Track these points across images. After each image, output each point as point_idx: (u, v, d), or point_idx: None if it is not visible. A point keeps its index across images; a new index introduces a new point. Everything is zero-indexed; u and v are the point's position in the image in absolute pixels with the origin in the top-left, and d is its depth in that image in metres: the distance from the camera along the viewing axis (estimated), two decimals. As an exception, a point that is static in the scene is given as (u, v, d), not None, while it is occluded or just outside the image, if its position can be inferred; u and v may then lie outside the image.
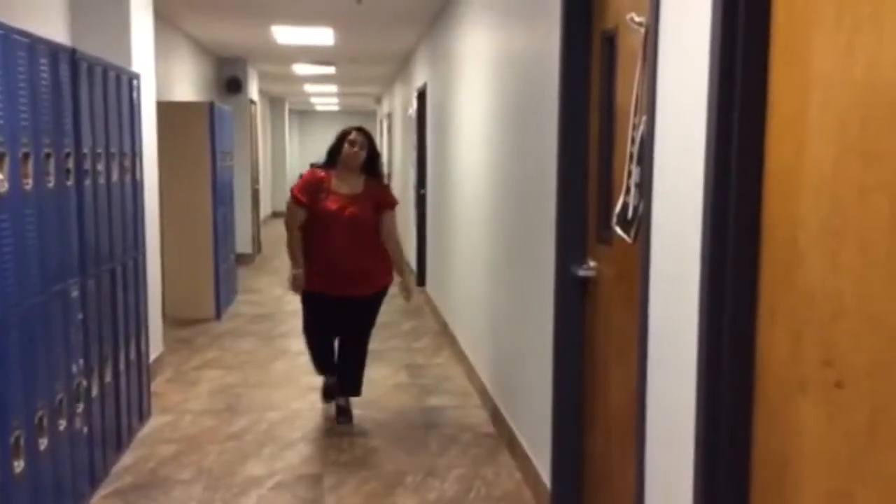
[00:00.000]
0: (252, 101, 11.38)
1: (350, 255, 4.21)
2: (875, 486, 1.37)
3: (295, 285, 4.36)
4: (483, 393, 4.75)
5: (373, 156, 4.38)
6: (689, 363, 1.93)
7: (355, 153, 4.29)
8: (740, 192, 1.77)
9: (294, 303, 8.57)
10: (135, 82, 4.26)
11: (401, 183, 11.60)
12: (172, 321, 6.76)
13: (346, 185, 4.29)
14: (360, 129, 4.39)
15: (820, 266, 1.54)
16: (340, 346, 4.51)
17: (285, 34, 8.35)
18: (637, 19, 2.36)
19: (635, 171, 2.37)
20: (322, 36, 8.39)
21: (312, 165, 5.03)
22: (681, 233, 1.99)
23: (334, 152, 4.35)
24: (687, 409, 1.94)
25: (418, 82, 8.83)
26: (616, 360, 2.75)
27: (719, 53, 1.77)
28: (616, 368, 2.75)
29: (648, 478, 2.26)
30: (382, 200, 4.39)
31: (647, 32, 2.25)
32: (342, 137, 4.36)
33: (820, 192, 1.54)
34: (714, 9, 1.78)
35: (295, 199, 4.29)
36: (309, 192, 4.27)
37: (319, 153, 17.99)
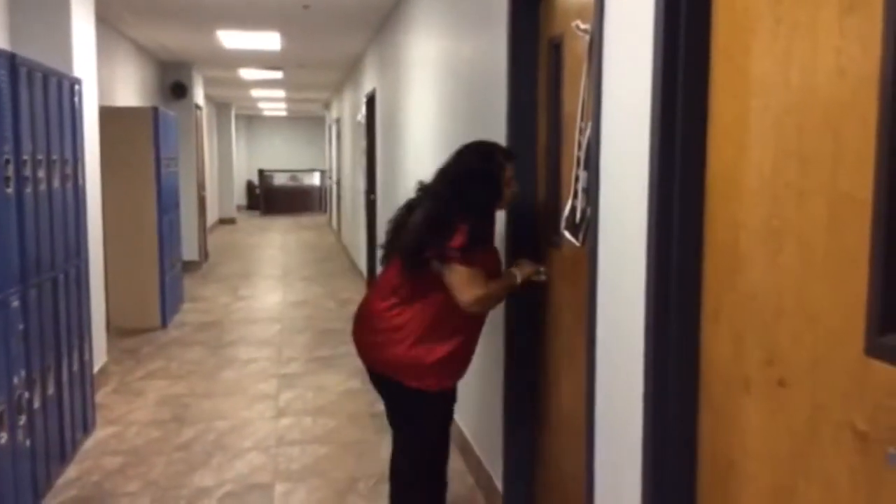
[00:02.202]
0: (197, 107, 11.23)
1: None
2: (816, 481, 1.41)
3: (532, 266, 2.90)
4: (434, 398, 4.76)
5: None
6: (636, 364, 1.96)
7: (516, 193, 2.87)
8: (683, 196, 1.81)
9: (242, 310, 8.60)
10: (76, 87, 4.18)
11: (350, 189, 11.56)
12: (117, 331, 6.63)
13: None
14: (511, 156, 2.86)
15: (761, 267, 1.58)
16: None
17: (231, 39, 8.27)
18: (582, 26, 2.40)
19: (583, 175, 2.40)
20: (269, 41, 8.32)
21: (452, 216, 2.79)
22: (627, 236, 2.03)
23: (491, 198, 2.81)
24: (634, 409, 1.98)
25: (367, 88, 8.82)
26: (566, 362, 2.78)
27: (662, 60, 1.80)
28: (566, 370, 2.78)
29: (598, 477, 2.28)
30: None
31: (592, 39, 2.29)
32: (496, 170, 2.78)
33: (759, 196, 1.58)
34: (656, 17, 1.82)
35: (476, 263, 2.71)
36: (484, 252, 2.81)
37: (267, 158, 17.92)
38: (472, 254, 2.68)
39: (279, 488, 3.68)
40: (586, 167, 2.36)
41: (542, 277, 2.90)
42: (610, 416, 2.21)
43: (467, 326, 2.82)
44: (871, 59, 1.26)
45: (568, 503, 2.75)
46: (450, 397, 2.94)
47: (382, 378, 2.88)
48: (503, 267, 2.93)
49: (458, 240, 2.65)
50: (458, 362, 2.86)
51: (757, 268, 1.59)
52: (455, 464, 3.94)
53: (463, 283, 2.67)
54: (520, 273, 2.83)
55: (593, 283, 2.26)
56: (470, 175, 2.76)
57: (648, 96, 1.87)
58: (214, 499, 3.56)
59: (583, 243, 2.43)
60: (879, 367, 1.24)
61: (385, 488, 3.63)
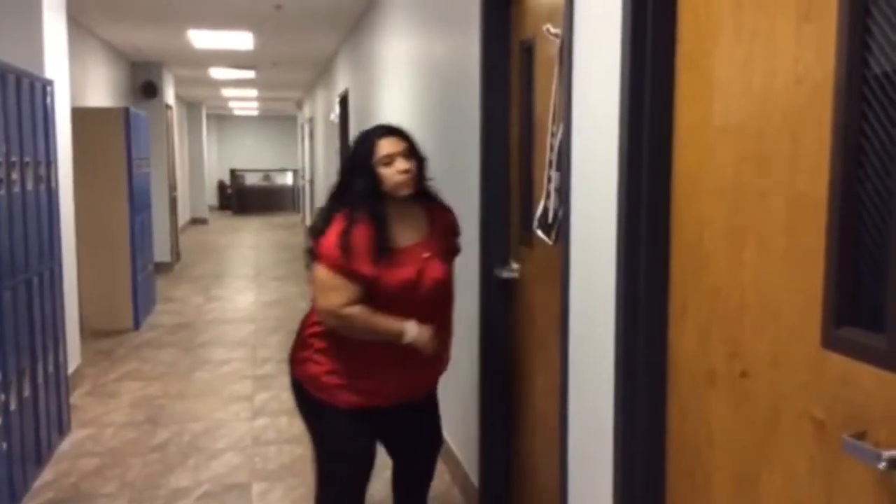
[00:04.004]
0: (168, 106, 11.17)
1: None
2: (777, 468, 1.47)
3: (430, 344, 2.55)
4: (410, 396, 4.80)
5: (422, 167, 2.61)
6: (607, 359, 2.02)
7: (405, 173, 2.48)
8: (651, 196, 1.87)
9: (215, 311, 8.58)
10: (49, 89, 4.16)
11: (324, 188, 11.56)
12: (90, 332, 6.59)
13: (406, 230, 2.54)
14: (388, 131, 2.56)
15: (724, 265, 1.65)
16: (404, 480, 2.89)
17: (203, 38, 8.25)
18: (553, 30, 2.45)
19: (555, 176, 2.46)
20: (241, 40, 8.31)
21: (334, 211, 2.53)
22: (598, 235, 2.09)
23: (368, 184, 2.47)
24: (605, 403, 2.04)
25: (340, 87, 8.83)
26: (539, 359, 2.84)
27: (630, 64, 1.86)
28: (540, 366, 2.83)
29: (571, 470, 2.34)
30: (454, 231, 2.73)
31: (562, 43, 2.34)
32: (368, 152, 2.48)
33: (723, 195, 1.65)
34: (624, 23, 1.88)
35: (343, 271, 2.42)
36: (361, 257, 2.42)
37: (239, 158, 17.75)
38: (348, 257, 2.38)
39: (256, 488, 3.71)
40: (558, 168, 2.41)
41: (427, 351, 2.55)
42: (582, 411, 2.27)
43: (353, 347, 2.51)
44: (826, 66, 1.32)
45: (543, 497, 2.81)
46: (347, 422, 2.57)
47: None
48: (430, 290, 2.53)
49: (329, 237, 2.42)
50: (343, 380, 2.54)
51: (721, 265, 1.66)
52: (431, 460, 3.98)
53: (319, 288, 2.43)
54: (417, 335, 2.48)
55: (566, 280, 2.32)
56: (347, 163, 2.61)
57: (617, 100, 1.93)
58: (192, 499, 3.58)
59: (555, 242, 2.49)
60: (835, 358, 1.31)
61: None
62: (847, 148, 1.29)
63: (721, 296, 1.66)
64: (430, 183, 2.65)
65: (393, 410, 2.65)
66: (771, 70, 1.49)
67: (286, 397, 5.04)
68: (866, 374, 1.24)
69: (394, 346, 2.49)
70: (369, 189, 2.46)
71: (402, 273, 2.47)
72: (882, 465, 1.13)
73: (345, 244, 2.40)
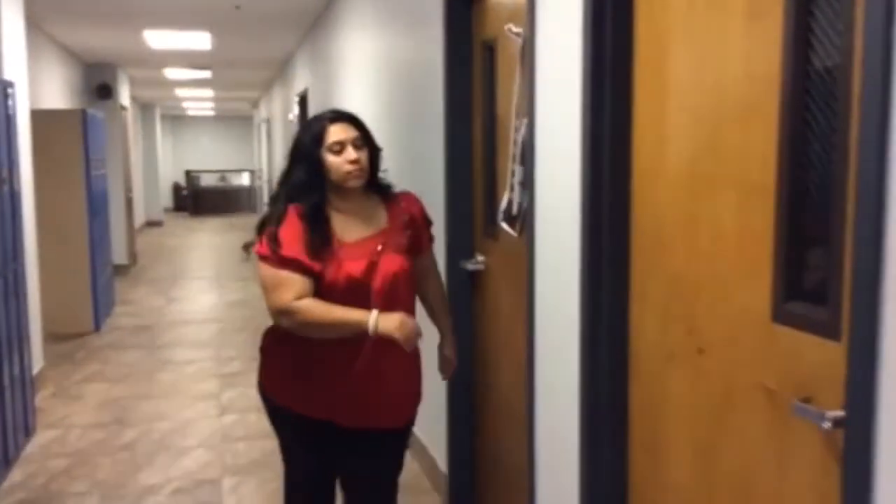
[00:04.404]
0: (123, 107, 11.05)
1: (387, 352, 2.25)
2: (733, 436, 1.59)
3: (400, 331, 2.19)
4: (376, 390, 4.86)
5: (375, 157, 2.38)
6: (572, 344, 2.12)
7: (355, 163, 2.26)
8: (612, 188, 1.98)
9: (176, 312, 8.55)
10: (10, 91, 4.15)
11: (282, 188, 11.52)
12: (50, 335, 6.51)
13: (357, 223, 2.32)
14: (340, 116, 2.35)
15: (681, 250, 1.76)
16: None
17: (159, 39, 8.20)
18: (515, 30, 2.55)
19: (518, 170, 2.55)
20: (199, 40, 8.28)
21: (278, 203, 2.34)
22: (561, 225, 2.19)
23: (311, 173, 2.26)
24: (571, 387, 2.14)
25: (299, 87, 8.85)
26: (505, 348, 2.93)
27: (590, 62, 1.97)
28: (506, 355, 2.93)
29: (539, 453, 2.44)
30: (418, 227, 2.44)
31: (524, 42, 2.44)
32: (315, 140, 2.26)
33: (679, 186, 1.76)
34: (584, 23, 1.98)
35: (290, 264, 2.20)
36: (306, 250, 2.22)
37: (194, 159, 17.54)
38: (289, 250, 2.19)
39: (228, 482, 3.75)
40: (521, 162, 2.51)
41: (409, 346, 2.23)
42: (548, 397, 2.37)
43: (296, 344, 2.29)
44: (773, 62, 1.44)
45: (511, 482, 2.91)
46: (290, 421, 2.40)
47: None
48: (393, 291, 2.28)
49: (268, 231, 2.25)
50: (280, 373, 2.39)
51: (678, 251, 1.77)
52: (399, 452, 4.06)
53: (265, 288, 2.24)
54: (381, 323, 2.16)
55: (531, 270, 2.42)
56: (292, 149, 2.35)
57: (578, 96, 2.03)
58: (163, 495, 3.61)
59: (520, 234, 2.58)
60: (784, 331, 1.42)
61: (332, 478, 3.75)
62: (792, 138, 1.40)
63: (679, 280, 1.77)
64: (383, 174, 2.42)
65: (350, 436, 2.35)
66: (722, 66, 1.60)
67: (254, 394, 5.06)
68: (811, 344, 1.35)
69: (352, 350, 2.24)
70: (311, 178, 2.25)
71: (349, 268, 2.22)
72: (826, 424, 1.25)
73: (278, 239, 2.21)
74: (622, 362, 2.00)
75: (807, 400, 1.34)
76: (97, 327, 7.06)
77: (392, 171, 4.10)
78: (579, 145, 2.03)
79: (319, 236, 2.23)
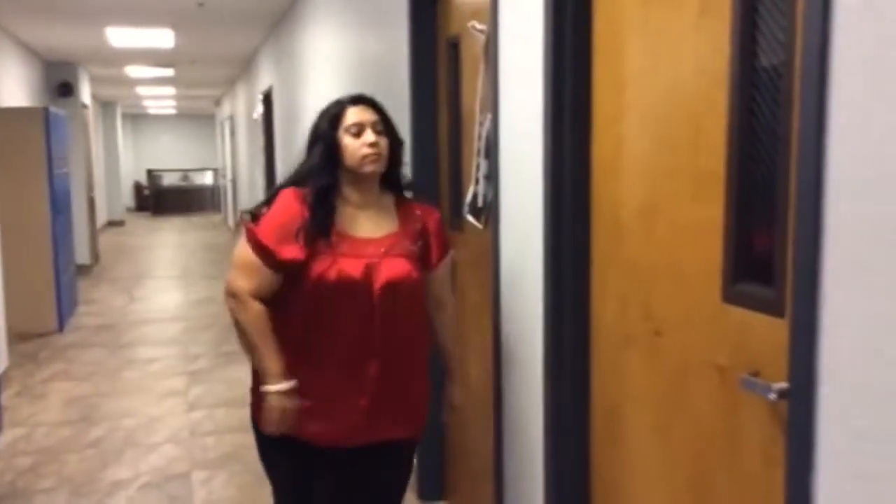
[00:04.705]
0: (84, 106, 10.94)
1: (387, 366, 2.09)
2: (687, 413, 1.67)
3: (279, 414, 2.05)
4: (344, 385, 4.90)
5: (396, 148, 2.19)
6: (537, 331, 2.20)
7: (373, 147, 2.08)
8: (573, 179, 2.05)
9: (141, 311, 8.51)
10: (-29, 86, 4.12)
11: (248, 187, 11.50)
12: (14, 335, 6.46)
13: (365, 220, 2.13)
14: (361, 99, 2.18)
15: (639, 238, 1.84)
16: None
17: (121, 36, 8.14)
18: (479, 27, 2.62)
19: (483, 163, 2.63)
20: (162, 38, 8.23)
21: (282, 186, 2.17)
22: (525, 217, 2.26)
23: (326, 156, 2.09)
24: (535, 371, 2.22)
25: (263, 84, 8.84)
26: (472, 337, 3.00)
27: (551, 58, 2.04)
28: (473, 345, 3.00)
29: (505, 437, 2.52)
30: (429, 240, 2.20)
31: (487, 39, 2.51)
32: (333, 121, 2.11)
33: (636, 177, 1.84)
34: (545, 20, 2.06)
35: (263, 251, 2.03)
36: (291, 237, 2.02)
37: (156, 158, 17.39)
38: (275, 236, 2.00)
39: (197, 476, 3.78)
40: (486, 156, 2.58)
41: (268, 426, 2.08)
42: (514, 382, 2.44)
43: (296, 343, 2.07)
44: (722, 58, 1.52)
45: (478, 468, 2.98)
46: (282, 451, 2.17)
47: None
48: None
49: (262, 211, 2.11)
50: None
51: (636, 238, 1.85)
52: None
53: (233, 261, 2.10)
54: (276, 391, 2.01)
55: (496, 261, 2.49)
56: (310, 133, 2.18)
57: (540, 91, 2.10)
58: (132, 490, 3.63)
59: (485, 226, 2.66)
60: (734, 311, 1.51)
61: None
62: (740, 131, 1.49)
63: (636, 266, 1.85)
64: (404, 171, 2.26)
65: (363, 454, 2.15)
66: (675, 62, 1.68)
67: (222, 390, 5.11)
68: (759, 322, 1.44)
69: (361, 356, 2.06)
70: (325, 162, 2.08)
71: (344, 264, 2.00)
72: (773, 396, 1.34)
73: (261, 220, 2.05)
74: (584, 347, 2.08)
75: (755, 374, 1.42)
76: (61, 327, 7.00)
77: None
78: (541, 139, 2.11)
79: (318, 223, 2.02)
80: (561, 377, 2.12)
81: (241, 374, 5.42)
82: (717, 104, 1.54)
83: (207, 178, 21.33)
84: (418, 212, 2.22)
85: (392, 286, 2.04)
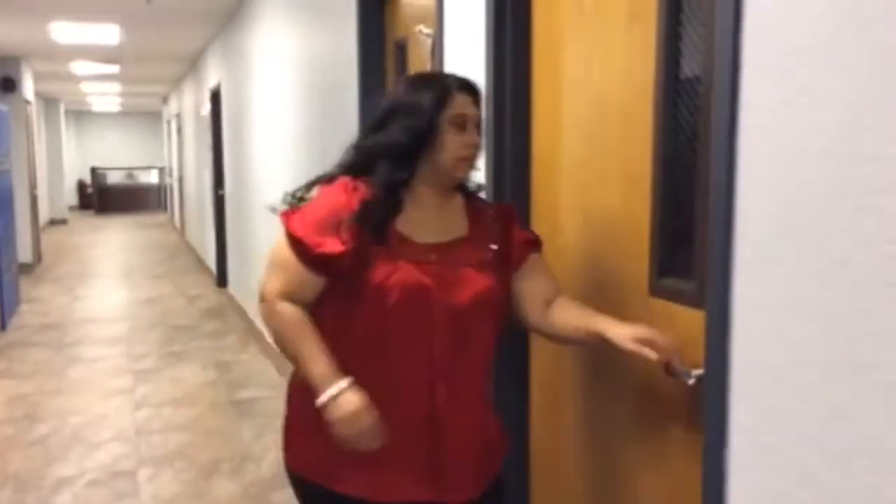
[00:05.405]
0: (27, 102, 10.73)
1: (456, 400, 1.67)
2: (618, 400, 1.77)
3: (348, 426, 1.56)
4: (292, 382, 4.93)
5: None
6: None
7: (473, 152, 1.70)
8: (514, 178, 2.15)
9: (85, 310, 8.39)
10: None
11: (196, 185, 11.40)
12: (-48, 335, 6.36)
13: (431, 222, 1.70)
14: (469, 86, 1.71)
15: (574, 235, 1.94)
16: None
17: (66, 32, 8.02)
18: (425, 31, 2.70)
19: (428, 163, 2.70)
20: (107, 34, 8.13)
21: (332, 176, 1.71)
22: (468, 215, 2.34)
23: (416, 139, 1.64)
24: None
25: (212, 82, 8.79)
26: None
27: (492, 63, 2.13)
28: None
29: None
30: (508, 242, 1.76)
31: (433, 43, 2.59)
32: (438, 102, 1.64)
33: (572, 178, 1.94)
34: (487, 25, 2.15)
35: (297, 245, 1.63)
36: (333, 231, 1.61)
37: (100, 156, 17.11)
38: (321, 229, 1.60)
39: (143, 473, 3.78)
40: (431, 156, 2.66)
41: (351, 443, 1.57)
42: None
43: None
44: (649, 65, 1.62)
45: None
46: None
47: None
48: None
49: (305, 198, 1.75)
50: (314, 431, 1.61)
51: (572, 235, 1.95)
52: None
53: (268, 259, 1.71)
54: (337, 401, 1.55)
55: (440, 257, 2.57)
56: (389, 111, 1.69)
57: (482, 95, 2.18)
58: (78, 486, 3.62)
59: (430, 224, 2.72)
60: (660, 303, 1.61)
61: (250, 466, 3.83)
62: (664, 135, 1.59)
63: (573, 262, 1.95)
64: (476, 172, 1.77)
65: None
66: (606, 69, 1.78)
67: (169, 390, 5.10)
68: (681, 313, 1.55)
69: (422, 385, 1.64)
70: (412, 147, 1.63)
71: (408, 273, 1.60)
72: (691, 381, 1.44)
73: (317, 208, 1.65)
74: (523, 337, 2.18)
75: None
76: (2, 326, 6.88)
77: (307, 165, 4.21)
78: (484, 139, 2.19)
79: (375, 222, 1.61)
80: (504, 374, 2.21)
81: (187, 373, 5.43)
82: (644, 110, 1.64)
83: (153, 177, 21.03)
84: (492, 211, 1.79)
85: (465, 303, 1.63)
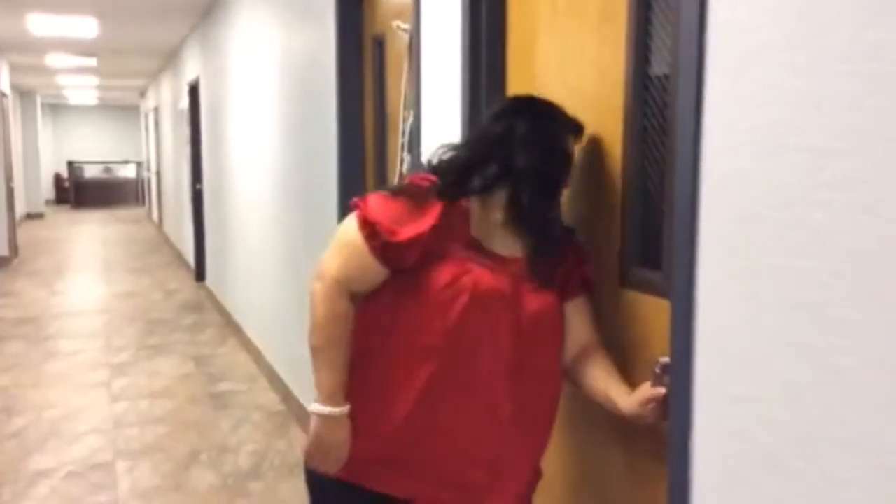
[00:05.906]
0: (3, 95, 10.64)
1: (511, 412, 1.62)
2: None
3: (326, 452, 1.63)
4: (272, 376, 4.95)
5: None
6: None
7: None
8: (489, 173, 2.18)
9: (62, 304, 8.35)
10: None
11: (174, 179, 11.35)
12: (-74, 328, 6.31)
13: (505, 237, 1.64)
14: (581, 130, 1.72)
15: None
16: None
17: (43, 24, 7.96)
18: (403, 26, 2.73)
19: (407, 158, 2.74)
20: (85, 26, 8.08)
21: (433, 168, 1.67)
22: (444, 208, 2.38)
23: (548, 170, 1.64)
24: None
25: (190, 76, 8.76)
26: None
27: (469, 59, 2.17)
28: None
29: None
30: (576, 271, 1.70)
31: (411, 38, 2.63)
32: (570, 146, 1.68)
33: (546, 170, 1.98)
34: (463, 22, 2.18)
35: (369, 229, 1.59)
36: (409, 220, 1.58)
37: (77, 150, 17.04)
38: (399, 217, 1.57)
39: (121, 465, 3.79)
40: (409, 151, 2.69)
41: (312, 461, 1.65)
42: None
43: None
44: (620, 63, 1.67)
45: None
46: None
47: None
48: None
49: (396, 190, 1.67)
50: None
51: (545, 228, 1.99)
52: (294, 432, 4.18)
53: (334, 240, 1.66)
54: (319, 421, 1.61)
55: (417, 250, 2.60)
56: (525, 138, 1.61)
57: (459, 89, 2.23)
58: (56, 479, 3.62)
59: (407, 217, 2.75)
60: (630, 293, 1.66)
61: (228, 457, 3.85)
62: (635, 131, 1.64)
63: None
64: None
65: None
66: (579, 67, 1.82)
67: (146, 383, 5.10)
68: (650, 303, 1.59)
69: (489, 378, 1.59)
70: (559, 184, 1.65)
71: (482, 275, 1.56)
72: (658, 369, 1.49)
73: (398, 200, 1.60)
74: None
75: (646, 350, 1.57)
76: (-22, 320, 6.85)
77: (287, 160, 4.23)
78: (460, 135, 2.23)
79: (458, 179, 1.60)
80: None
81: (165, 366, 5.43)
82: (616, 107, 1.68)
83: (131, 171, 20.88)
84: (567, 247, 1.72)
85: (531, 320, 1.60)
